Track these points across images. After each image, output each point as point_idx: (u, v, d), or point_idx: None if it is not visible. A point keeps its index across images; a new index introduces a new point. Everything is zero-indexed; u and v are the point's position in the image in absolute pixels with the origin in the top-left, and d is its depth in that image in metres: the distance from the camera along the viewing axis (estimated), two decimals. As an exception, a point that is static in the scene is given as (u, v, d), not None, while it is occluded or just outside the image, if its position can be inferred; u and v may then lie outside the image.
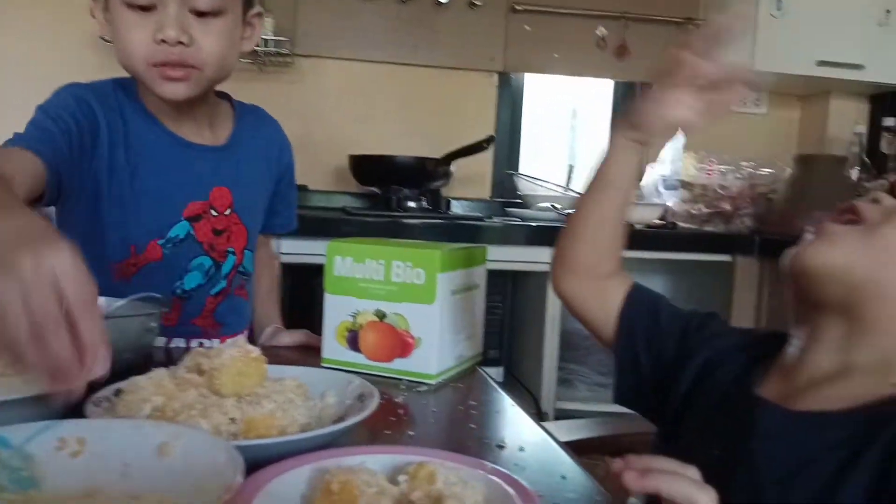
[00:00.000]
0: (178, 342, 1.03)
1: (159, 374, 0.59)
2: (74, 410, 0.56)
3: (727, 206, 2.21)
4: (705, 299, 2.20)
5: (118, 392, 0.59)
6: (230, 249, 1.06)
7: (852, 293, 0.58)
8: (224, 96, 1.10)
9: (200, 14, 0.91)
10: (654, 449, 0.76)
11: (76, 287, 0.48)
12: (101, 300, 0.85)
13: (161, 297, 0.83)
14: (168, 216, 1.00)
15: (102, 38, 1.04)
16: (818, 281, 0.60)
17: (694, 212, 2.24)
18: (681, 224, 2.22)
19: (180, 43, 0.89)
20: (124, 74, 0.98)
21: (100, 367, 0.50)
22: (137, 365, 0.66)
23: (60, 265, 0.47)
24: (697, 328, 0.75)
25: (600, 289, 0.81)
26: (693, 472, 0.45)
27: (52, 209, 1.00)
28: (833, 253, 0.58)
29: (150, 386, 0.56)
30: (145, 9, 0.89)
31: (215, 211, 1.03)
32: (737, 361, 0.70)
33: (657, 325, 0.77)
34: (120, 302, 0.78)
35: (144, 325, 0.81)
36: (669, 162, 2.27)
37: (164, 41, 0.89)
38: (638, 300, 0.80)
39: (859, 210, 0.59)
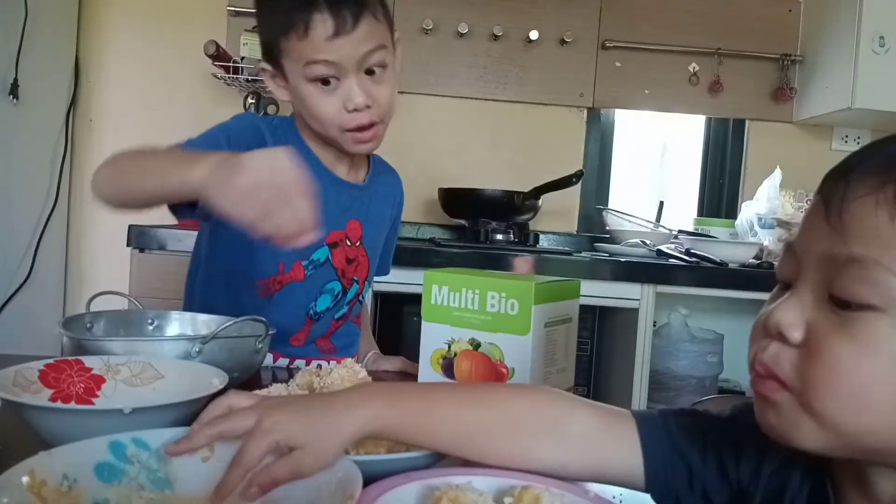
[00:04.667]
0: (300, 363, 1.10)
1: (278, 388, 0.63)
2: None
3: (827, 246, 2.12)
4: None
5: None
6: (356, 278, 1.14)
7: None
8: None
9: (372, 72, 0.97)
10: None
11: (296, 173, 0.70)
12: (211, 318, 0.92)
13: (265, 321, 0.88)
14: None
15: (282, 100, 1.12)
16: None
17: (791, 251, 2.16)
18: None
19: (367, 106, 0.97)
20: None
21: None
22: (243, 385, 0.71)
23: (283, 157, 0.71)
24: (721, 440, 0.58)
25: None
26: None
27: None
28: (801, 440, 0.48)
29: (269, 400, 0.60)
30: (327, 82, 0.96)
31: (349, 241, 1.11)
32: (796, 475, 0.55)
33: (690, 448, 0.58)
34: (229, 322, 0.84)
35: (253, 347, 0.86)
36: (766, 200, 2.20)
37: (355, 109, 0.96)
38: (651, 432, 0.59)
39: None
